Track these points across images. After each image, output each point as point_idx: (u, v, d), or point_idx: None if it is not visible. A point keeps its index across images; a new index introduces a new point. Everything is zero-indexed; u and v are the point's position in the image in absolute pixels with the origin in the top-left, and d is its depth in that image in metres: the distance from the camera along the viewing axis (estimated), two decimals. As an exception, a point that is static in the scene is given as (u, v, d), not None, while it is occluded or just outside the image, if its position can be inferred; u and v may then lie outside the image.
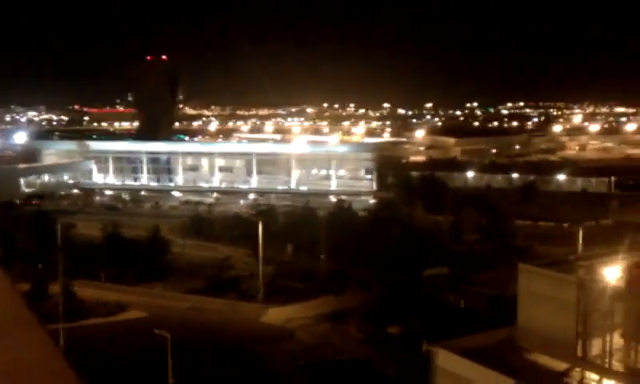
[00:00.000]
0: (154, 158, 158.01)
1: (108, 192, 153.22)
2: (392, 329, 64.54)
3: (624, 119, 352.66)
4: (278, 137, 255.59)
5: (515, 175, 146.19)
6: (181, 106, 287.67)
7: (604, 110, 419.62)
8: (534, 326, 41.57)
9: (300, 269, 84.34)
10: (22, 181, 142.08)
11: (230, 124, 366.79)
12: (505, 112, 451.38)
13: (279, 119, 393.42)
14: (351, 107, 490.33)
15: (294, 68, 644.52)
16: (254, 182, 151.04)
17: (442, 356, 42.17)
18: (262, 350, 61.60)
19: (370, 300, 71.86)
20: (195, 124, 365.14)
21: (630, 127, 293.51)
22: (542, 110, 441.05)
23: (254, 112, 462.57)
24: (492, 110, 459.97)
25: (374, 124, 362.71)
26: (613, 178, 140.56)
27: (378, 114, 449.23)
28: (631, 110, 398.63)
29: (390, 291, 71.26)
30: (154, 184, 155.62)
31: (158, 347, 49.67)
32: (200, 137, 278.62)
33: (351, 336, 66.04)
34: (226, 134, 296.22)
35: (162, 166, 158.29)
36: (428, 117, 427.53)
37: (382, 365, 57.37)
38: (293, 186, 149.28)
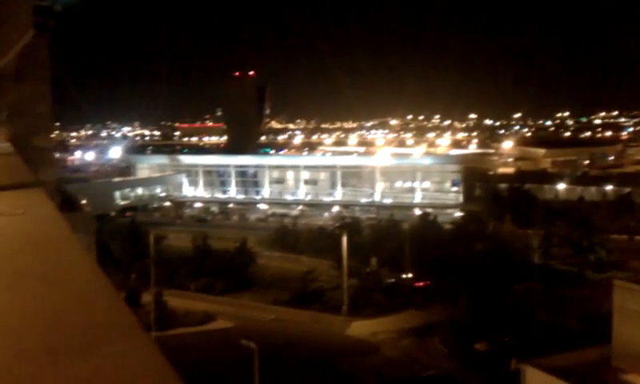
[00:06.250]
0: (241, 172, 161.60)
1: (198, 204, 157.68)
2: (479, 345, 63.10)
3: None
4: (362, 149, 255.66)
5: (609, 187, 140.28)
6: (267, 120, 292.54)
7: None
8: (630, 346, 39.65)
9: (384, 281, 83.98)
10: (116, 194, 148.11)
11: (315, 137, 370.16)
12: (598, 122, 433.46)
13: (363, 131, 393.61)
14: (436, 119, 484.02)
15: (377, 80, 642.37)
16: (339, 194, 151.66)
17: (531, 374, 40.84)
18: (346, 364, 61.58)
19: (456, 315, 70.55)
20: (281, 138, 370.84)
21: None
22: (637, 120, 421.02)
23: (338, 125, 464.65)
24: (584, 120, 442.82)
25: (460, 135, 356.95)
26: None
27: (463, 126, 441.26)
28: None
29: (476, 306, 69.71)
30: (241, 197, 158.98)
31: (244, 357, 50.54)
32: (285, 150, 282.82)
33: (436, 351, 65.06)
34: (311, 147, 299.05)
35: (249, 179, 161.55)
36: (516, 127, 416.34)
37: (468, 382, 56.23)
38: (377, 198, 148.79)
